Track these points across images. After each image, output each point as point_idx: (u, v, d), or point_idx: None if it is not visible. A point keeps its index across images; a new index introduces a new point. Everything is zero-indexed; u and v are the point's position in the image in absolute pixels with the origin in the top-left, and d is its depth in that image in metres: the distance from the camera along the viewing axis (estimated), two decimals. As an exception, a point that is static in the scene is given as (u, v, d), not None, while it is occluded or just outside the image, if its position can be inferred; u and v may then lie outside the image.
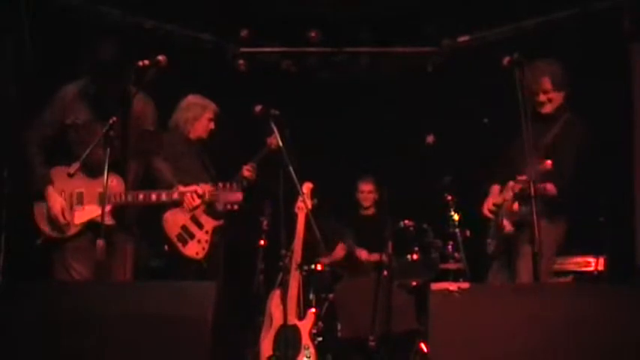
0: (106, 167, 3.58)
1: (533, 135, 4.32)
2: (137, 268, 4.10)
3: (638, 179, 5.56)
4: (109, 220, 3.77)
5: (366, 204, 6.26)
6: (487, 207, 4.41)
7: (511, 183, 4.23)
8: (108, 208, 3.75)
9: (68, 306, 3.17)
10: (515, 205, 4.18)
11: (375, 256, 5.71)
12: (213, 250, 4.84)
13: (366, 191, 6.26)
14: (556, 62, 4.39)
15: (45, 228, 3.84)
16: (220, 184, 4.05)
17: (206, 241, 4.78)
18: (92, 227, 3.79)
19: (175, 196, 3.95)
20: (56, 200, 3.82)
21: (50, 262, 3.86)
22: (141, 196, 3.89)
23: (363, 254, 5.93)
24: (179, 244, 4.74)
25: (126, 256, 3.93)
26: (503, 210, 4.29)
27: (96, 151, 3.65)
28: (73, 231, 3.84)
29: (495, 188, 4.52)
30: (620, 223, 5.29)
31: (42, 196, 3.84)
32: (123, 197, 3.84)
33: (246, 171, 5.12)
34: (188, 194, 3.95)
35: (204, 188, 3.99)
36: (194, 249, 4.76)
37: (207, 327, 3.05)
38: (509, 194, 4.23)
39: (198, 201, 3.99)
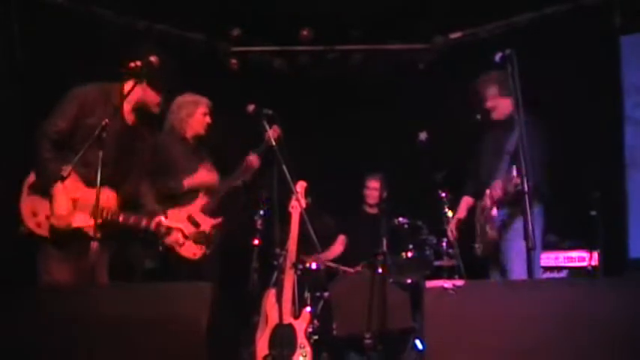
0: (99, 169, 3.56)
1: (494, 142, 4.51)
2: (133, 269, 4.08)
3: (628, 173, 5.59)
4: (95, 234, 3.66)
5: (370, 201, 6.24)
6: (452, 226, 4.81)
7: (488, 190, 4.37)
8: (97, 221, 3.65)
9: (62, 309, 3.17)
10: (494, 211, 4.35)
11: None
12: (211, 249, 4.83)
13: (372, 188, 6.23)
14: (502, 73, 4.40)
15: (30, 223, 3.75)
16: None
17: None
18: (78, 234, 3.74)
19: (153, 227, 3.91)
20: (64, 201, 3.72)
21: (34, 264, 3.80)
22: (132, 219, 3.87)
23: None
24: (176, 246, 4.72)
25: (100, 263, 3.85)
26: (484, 216, 4.47)
27: (94, 159, 3.59)
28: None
29: (465, 200, 4.67)
30: (612, 217, 5.31)
31: (46, 193, 3.74)
32: (115, 216, 3.82)
33: (251, 160, 5.07)
34: (162, 227, 3.95)
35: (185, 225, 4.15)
36: (191, 250, 4.74)
37: (202, 327, 3.06)
38: (487, 201, 4.36)
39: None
